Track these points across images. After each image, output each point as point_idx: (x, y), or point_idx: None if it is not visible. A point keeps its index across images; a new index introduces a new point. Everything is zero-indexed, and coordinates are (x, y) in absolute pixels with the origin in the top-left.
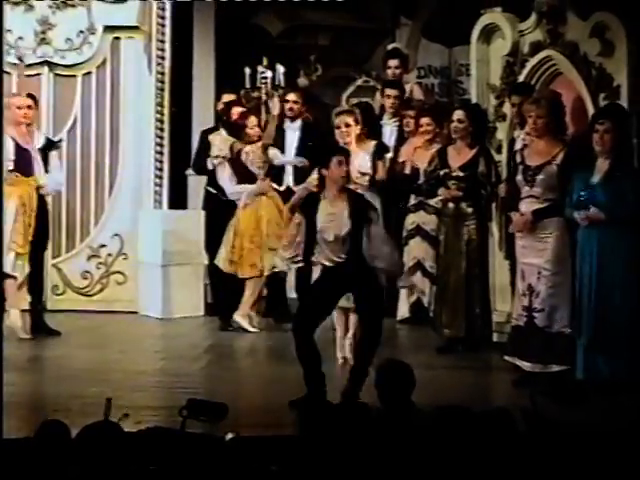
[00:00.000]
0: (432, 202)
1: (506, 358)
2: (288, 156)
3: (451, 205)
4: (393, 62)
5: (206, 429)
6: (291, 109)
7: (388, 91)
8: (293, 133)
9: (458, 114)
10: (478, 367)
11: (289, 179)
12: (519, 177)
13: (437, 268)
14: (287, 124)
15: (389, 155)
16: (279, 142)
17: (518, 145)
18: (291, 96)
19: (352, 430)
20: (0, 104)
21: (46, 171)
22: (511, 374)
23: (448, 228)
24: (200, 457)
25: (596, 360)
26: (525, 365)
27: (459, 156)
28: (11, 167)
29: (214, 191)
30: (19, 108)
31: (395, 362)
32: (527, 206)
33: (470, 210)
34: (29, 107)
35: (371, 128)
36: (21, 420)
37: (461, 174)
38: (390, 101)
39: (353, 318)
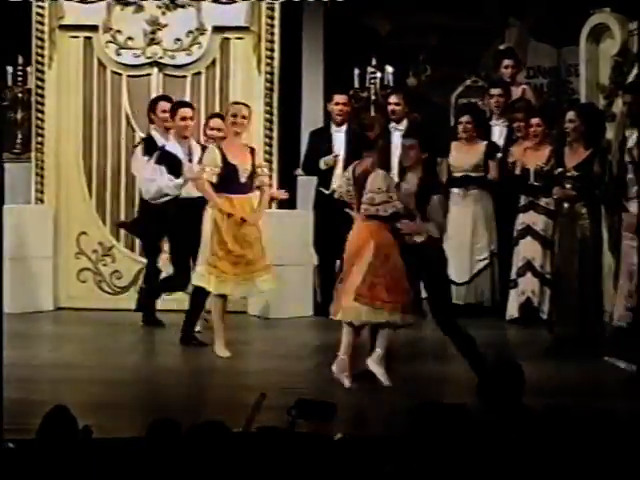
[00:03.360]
0: (542, 202)
1: (606, 359)
2: (395, 156)
3: (566, 205)
4: (508, 62)
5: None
6: (393, 111)
7: (492, 90)
8: (399, 134)
9: (570, 115)
10: (588, 367)
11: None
12: (630, 175)
13: (551, 267)
14: (392, 125)
15: (499, 155)
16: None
17: (630, 143)
18: (393, 98)
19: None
20: (0, 100)
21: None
22: (620, 374)
23: (562, 228)
24: (309, 457)
25: None
26: (622, 365)
27: (574, 156)
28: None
29: (326, 192)
30: (183, 119)
31: (506, 361)
32: (637, 206)
33: (584, 210)
34: (191, 118)
35: (481, 128)
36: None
37: (576, 174)
38: (494, 100)
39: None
